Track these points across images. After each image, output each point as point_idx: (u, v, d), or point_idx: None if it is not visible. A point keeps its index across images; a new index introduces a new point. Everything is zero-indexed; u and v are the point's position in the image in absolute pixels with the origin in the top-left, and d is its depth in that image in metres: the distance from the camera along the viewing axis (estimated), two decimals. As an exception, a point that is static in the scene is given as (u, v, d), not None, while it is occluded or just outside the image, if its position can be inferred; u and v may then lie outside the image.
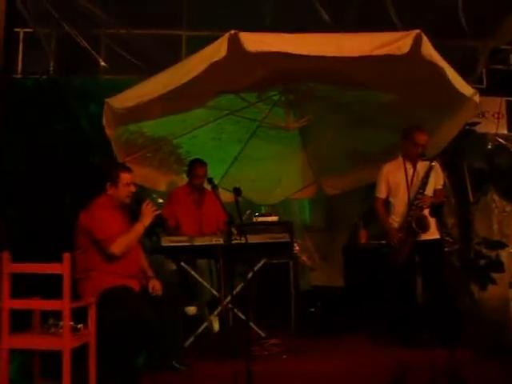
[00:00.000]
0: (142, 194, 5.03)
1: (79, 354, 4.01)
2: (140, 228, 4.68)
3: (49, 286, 3.87)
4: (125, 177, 4.80)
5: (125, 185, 4.78)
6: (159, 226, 5.04)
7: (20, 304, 3.91)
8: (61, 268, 3.75)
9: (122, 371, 4.36)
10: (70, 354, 3.72)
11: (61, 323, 3.84)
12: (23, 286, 4.01)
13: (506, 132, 8.63)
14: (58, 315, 3.86)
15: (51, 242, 5.53)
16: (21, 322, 4.00)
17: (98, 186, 4.86)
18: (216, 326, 6.02)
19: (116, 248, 4.53)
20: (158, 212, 4.78)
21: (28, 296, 4.01)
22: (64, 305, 3.75)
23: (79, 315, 4.03)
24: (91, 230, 4.58)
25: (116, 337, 4.34)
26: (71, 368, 3.73)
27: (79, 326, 4.00)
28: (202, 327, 5.67)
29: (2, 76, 5.56)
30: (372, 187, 6.09)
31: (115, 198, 4.80)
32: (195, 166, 6.43)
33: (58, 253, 3.78)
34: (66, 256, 3.75)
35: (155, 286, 4.77)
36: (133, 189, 4.83)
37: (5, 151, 5.77)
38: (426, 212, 5.58)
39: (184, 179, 6.95)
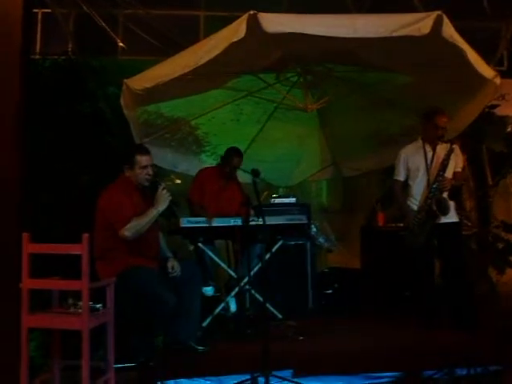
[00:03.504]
0: (160, 175, 5.00)
1: (98, 334, 4.05)
2: (153, 213, 4.67)
3: (70, 267, 3.88)
4: (141, 159, 4.79)
5: (141, 167, 4.78)
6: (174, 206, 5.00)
7: (39, 284, 3.92)
8: (80, 248, 3.76)
9: (140, 351, 4.41)
10: (88, 334, 3.74)
11: (80, 303, 3.85)
12: (45, 266, 4.02)
13: (526, 115, 8.55)
14: (77, 295, 3.88)
15: (70, 222, 5.56)
16: (41, 301, 4.02)
17: (116, 167, 4.87)
18: (233, 307, 6.04)
19: (127, 231, 4.55)
20: (171, 198, 4.77)
21: (49, 276, 4.03)
22: (83, 285, 3.77)
23: (98, 295, 4.05)
24: (106, 212, 4.64)
25: (134, 317, 4.38)
26: (90, 347, 3.76)
27: (98, 305, 4.03)
28: (219, 308, 5.69)
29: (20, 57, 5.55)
30: (390, 169, 6.06)
31: (133, 179, 4.82)
32: (232, 156, 6.32)
33: (78, 233, 3.79)
34: (85, 237, 3.76)
35: (174, 267, 4.80)
36: (150, 171, 4.83)
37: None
38: (445, 195, 5.54)
39: (202, 160, 6.95)
